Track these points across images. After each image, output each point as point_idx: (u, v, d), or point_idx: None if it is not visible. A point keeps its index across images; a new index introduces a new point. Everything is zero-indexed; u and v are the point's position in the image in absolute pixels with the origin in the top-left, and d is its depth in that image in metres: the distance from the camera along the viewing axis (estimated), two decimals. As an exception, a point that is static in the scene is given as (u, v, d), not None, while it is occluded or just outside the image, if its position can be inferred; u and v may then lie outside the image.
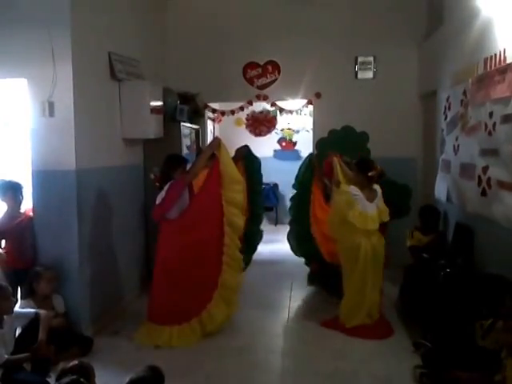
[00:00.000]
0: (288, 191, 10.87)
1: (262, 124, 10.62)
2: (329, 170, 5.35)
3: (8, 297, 3.79)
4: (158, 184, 4.86)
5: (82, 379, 2.73)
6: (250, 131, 10.76)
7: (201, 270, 4.71)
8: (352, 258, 4.85)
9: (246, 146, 5.70)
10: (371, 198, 4.88)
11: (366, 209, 4.81)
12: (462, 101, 5.01)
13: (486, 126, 4.29)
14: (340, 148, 6.48)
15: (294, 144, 11.25)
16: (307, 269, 6.25)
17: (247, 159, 5.63)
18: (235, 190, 4.86)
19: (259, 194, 5.90)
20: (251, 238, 5.69)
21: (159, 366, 2.96)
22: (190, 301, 4.70)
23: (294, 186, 6.18)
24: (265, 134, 10.71)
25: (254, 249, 5.88)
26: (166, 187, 4.71)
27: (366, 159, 5.21)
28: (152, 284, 4.87)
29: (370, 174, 4.87)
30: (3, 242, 4.73)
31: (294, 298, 6.03)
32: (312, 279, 6.21)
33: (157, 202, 4.73)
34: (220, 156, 4.83)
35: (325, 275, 5.83)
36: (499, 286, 3.36)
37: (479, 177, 4.40)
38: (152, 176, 5.00)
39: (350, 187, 4.86)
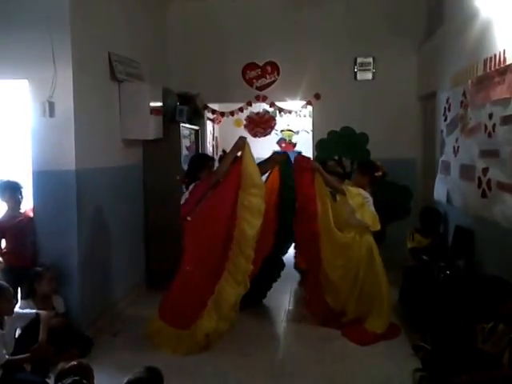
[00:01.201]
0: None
1: (257, 125, 10.61)
2: (300, 168, 5.15)
3: (9, 298, 3.79)
4: (183, 184, 4.77)
5: (84, 381, 2.72)
6: (248, 132, 10.76)
7: (203, 273, 4.54)
8: (370, 261, 4.89)
9: (285, 153, 5.51)
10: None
11: (373, 209, 4.91)
12: (461, 102, 5.01)
13: (485, 127, 4.29)
14: (340, 149, 6.49)
15: (294, 145, 11.25)
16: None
17: (283, 167, 5.35)
18: (252, 194, 4.62)
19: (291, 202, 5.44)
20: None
21: (158, 367, 2.95)
22: (191, 304, 4.54)
23: None
24: (260, 136, 10.70)
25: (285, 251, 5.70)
26: (190, 187, 4.63)
27: (368, 161, 5.26)
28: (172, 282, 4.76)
29: (376, 174, 4.98)
30: (3, 241, 4.72)
31: (293, 300, 6.02)
32: None
33: (181, 203, 4.65)
34: (243, 156, 4.65)
35: None
36: (500, 289, 3.35)
37: (479, 178, 4.40)
38: (178, 177, 4.95)
39: (360, 190, 4.90)
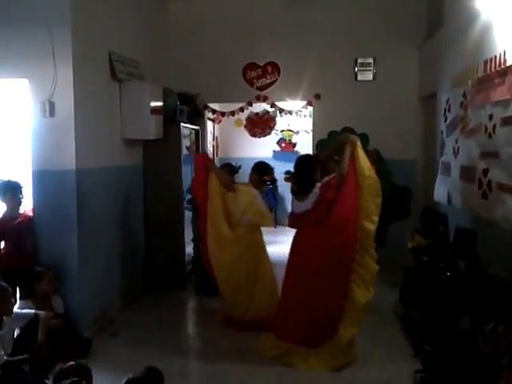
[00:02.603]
0: (287, 192, 10.94)
1: (256, 126, 10.61)
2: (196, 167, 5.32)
3: (8, 298, 3.78)
4: (295, 188, 4.50)
5: (83, 382, 2.71)
6: (247, 132, 10.77)
7: (329, 281, 4.26)
8: (257, 256, 5.14)
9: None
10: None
11: (263, 207, 5.23)
12: (461, 103, 5.00)
13: (486, 128, 4.28)
14: (340, 149, 6.45)
15: (294, 145, 11.25)
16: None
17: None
18: (371, 194, 4.37)
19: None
20: None
21: (158, 368, 2.94)
22: (325, 318, 4.27)
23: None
24: (259, 136, 10.71)
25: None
26: (316, 190, 4.33)
27: (265, 164, 5.49)
28: (283, 295, 4.61)
29: (265, 177, 5.31)
30: (2, 242, 4.70)
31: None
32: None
33: (308, 207, 4.34)
34: (357, 153, 4.39)
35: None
36: (500, 290, 3.35)
37: (480, 179, 4.39)
38: (286, 177, 4.74)
39: (250, 188, 5.18)
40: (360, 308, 4.26)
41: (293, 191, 4.57)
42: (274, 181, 5.57)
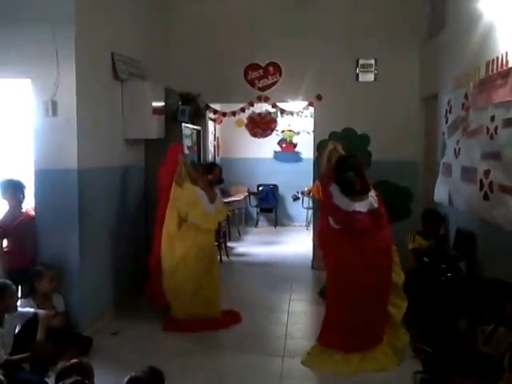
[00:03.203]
0: (288, 192, 10.96)
1: (257, 126, 10.60)
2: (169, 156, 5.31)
3: (12, 294, 3.80)
4: (359, 187, 4.36)
5: (86, 381, 2.71)
6: (248, 131, 10.78)
7: (384, 275, 4.37)
8: (199, 257, 5.15)
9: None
10: (212, 199, 5.31)
11: (207, 209, 5.20)
12: (463, 104, 5.01)
13: (487, 129, 4.29)
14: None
15: (295, 146, 11.25)
16: (307, 271, 6.24)
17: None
18: None
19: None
20: None
21: (159, 368, 2.94)
22: (377, 313, 4.36)
23: None
24: (260, 136, 10.71)
25: None
26: (371, 188, 4.43)
27: (210, 163, 5.67)
28: (328, 301, 4.58)
29: (209, 176, 5.38)
30: (4, 241, 4.71)
31: (294, 300, 6.03)
32: None
33: (374, 206, 4.37)
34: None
35: None
36: (501, 291, 3.36)
37: (481, 181, 4.40)
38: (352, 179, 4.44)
39: (196, 188, 5.20)
40: (400, 287, 4.44)
41: (355, 191, 4.35)
42: (220, 181, 5.63)
